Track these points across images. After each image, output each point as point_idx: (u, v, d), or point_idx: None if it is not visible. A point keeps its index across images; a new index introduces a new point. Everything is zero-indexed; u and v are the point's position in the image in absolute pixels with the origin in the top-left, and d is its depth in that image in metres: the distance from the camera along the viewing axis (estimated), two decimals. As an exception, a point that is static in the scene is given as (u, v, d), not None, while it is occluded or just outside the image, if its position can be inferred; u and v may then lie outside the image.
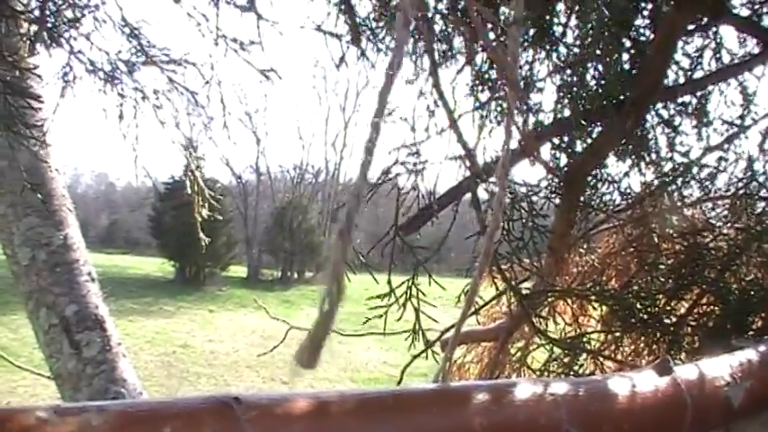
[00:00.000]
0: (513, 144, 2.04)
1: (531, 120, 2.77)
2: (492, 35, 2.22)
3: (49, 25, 2.29)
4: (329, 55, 2.34)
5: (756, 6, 2.59)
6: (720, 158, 2.96)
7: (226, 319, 22.49)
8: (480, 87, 2.51)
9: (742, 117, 2.97)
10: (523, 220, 2.28)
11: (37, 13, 2.28)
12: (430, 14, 2.19)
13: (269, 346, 16.25)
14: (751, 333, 2.48)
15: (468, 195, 2.30)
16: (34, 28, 2.26)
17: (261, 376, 15.45)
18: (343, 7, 2.14)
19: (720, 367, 1.57)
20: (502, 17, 2.44)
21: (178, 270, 29.76)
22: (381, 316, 2.25)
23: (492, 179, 2.22)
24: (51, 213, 3.17)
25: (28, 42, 2.31)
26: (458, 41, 2.49)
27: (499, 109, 2.54)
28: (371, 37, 2.35)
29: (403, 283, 2.25)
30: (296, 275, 35.03)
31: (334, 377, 16.14)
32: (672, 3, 2.46)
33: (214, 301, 25.94)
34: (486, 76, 2.51)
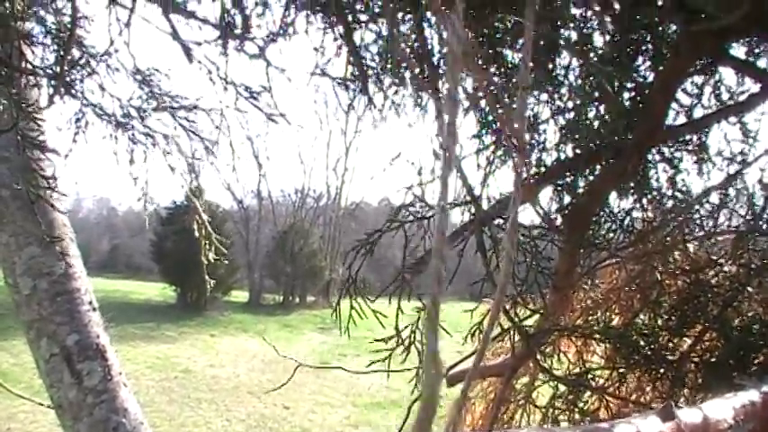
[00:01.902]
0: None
1: (534, 158, 2.81)
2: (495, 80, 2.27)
3: (67, 79, 2.33)
4: (337, 100, 2.38)
5: (754, 48, 2.63)
6: (722, 195, 2.98)
7: (227, 344, 22.40)
8: (484, 131, 2.55)
9: (742, 153, 2.99)
10: (527, 262, 2.31)
11: (50, 66, 2.33)
12: (435, 59, 2.23)
13: (270, 371, 16.10)
14: (753, 368, 2.50)
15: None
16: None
17: (263, 402, 15.36)
18: (351, 58, 2.18)
19: (723, 410, 1.59)
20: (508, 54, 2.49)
21: (180, 295, 29.63)
22: (385, 359, 2.28)
23: (496, 222, 2.26)
24: (53, 243, 3.19)
25: (46, 95, 2.35)
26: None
27: (502, 151, 2.57)
28: (378, 83, 2.40)
29: (407, 326, 2.28)
30: (298, 300, 34.91)
31: (336, 402, 16.07)
32: (672, 47, 2.50)
33: (216, 325, 25.84)
34: (491, 118, 2.55)
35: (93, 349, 3.15)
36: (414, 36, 2.16)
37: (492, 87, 2.06)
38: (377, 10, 2.10)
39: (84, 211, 63.41)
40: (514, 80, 2.28)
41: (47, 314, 3.12)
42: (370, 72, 2.34)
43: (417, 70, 2.27)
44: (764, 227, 2.82)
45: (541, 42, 2.12)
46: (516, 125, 1.20)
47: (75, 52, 2.46)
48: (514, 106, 1.21)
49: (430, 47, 2.16)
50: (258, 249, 35.97)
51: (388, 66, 2.33)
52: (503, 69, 2.47)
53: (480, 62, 2.28)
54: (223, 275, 27.96)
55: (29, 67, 2.15)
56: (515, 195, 1.13)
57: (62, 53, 2.22)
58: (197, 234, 4.10)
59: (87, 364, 3.11)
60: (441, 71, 2.15)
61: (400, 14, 2.15)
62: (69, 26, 2.14)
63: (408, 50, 2.20)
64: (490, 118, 2.50)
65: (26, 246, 3.10)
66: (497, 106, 1.83)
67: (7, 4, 2.02)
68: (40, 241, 3.11)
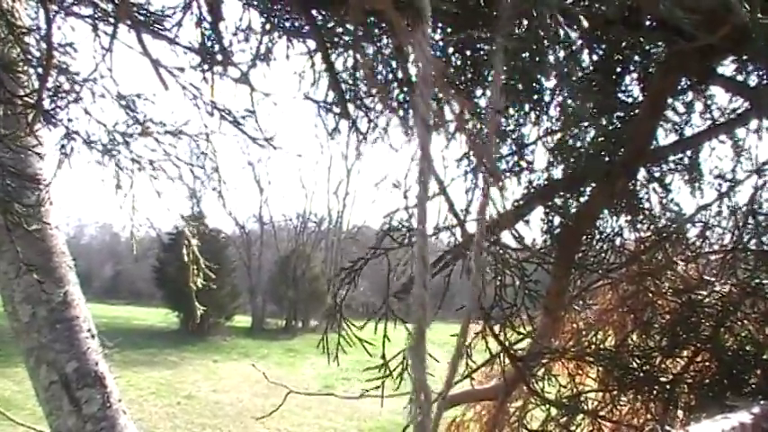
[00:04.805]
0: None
1: (524, 180, 2.80)
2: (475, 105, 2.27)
3: (47, 107, 2.33)
4: (322, 125, 2.38)
5: (742, 67, 2.62)
6: (715, 213, 2.98)
7: (230, 370, 22.35)
8: (471, 152, 2.55)
9: (734, 171, 2.99)
10: (516, 285, 2.30)
11: (29, 94, 2.33)
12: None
13: (274, 395, 16.08)
14: (747, 389, 2.48)
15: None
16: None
17: (266, 427, 15.29)
18: (331, 83, 2.18)
19: (712, 432, 1.58)
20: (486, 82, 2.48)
21: (182, 320, 29.65)
22: (378, 387, 2.27)
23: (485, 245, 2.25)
24: (51, 270, 3.19)
25: (25, 122, 2.35)
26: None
27: (479, 176, 2.56)
28: (362, 107, 2.39)
29: (399, 353, 2.27)
30: (300, 324, 34.90)
31: (341, 426, 16.02)
32: (659, 66, 2.50)
33: (218, 351, 25.82)
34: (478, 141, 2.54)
35: (92, 376, 3.15)
36: (394, 60, 2.16)
37: (469, 111, 2.05)
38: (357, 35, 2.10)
39: (86, 237, 63.68)
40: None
41: (46, 342, 3.12)
42: (353, 96, 2.34)
43: (397, 93, 2.28)
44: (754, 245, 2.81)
45: (527, 63, 2.12)
46: (489, 148, 1.19)
47: (62, 79, 2.48)
48: (485, 131, 1.21)
49: (414, 71, 2.15)
50: (260, 274, 35.99)
51: (368, 91, 2.33)
52: (487, 92, 2.46)
53: (459, 83, 2.28)
54: (226, 301, 28.00)
55: (7, 95, 2.16)
56: (481, 222, 1.12)
57: (39, 82, 2.23)
58: (185, 260, 4.11)
59: (86, 392, 3.11)
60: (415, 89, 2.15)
61: (385, 39, 2.15)
62: (46, 55, 2.15)
63: (391, 75, 2.20)
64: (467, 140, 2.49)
65: (25, 273, 3.11)
66: (471, 131, 1.83)
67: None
68: (40, 269, 3.12)
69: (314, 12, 1.96)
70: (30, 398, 13.09)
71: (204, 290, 4.37)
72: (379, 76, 2.20)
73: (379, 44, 2.12)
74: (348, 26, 2.02)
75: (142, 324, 30.75)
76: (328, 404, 17.24)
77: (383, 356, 2.28)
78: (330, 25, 2.05)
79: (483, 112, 2.18)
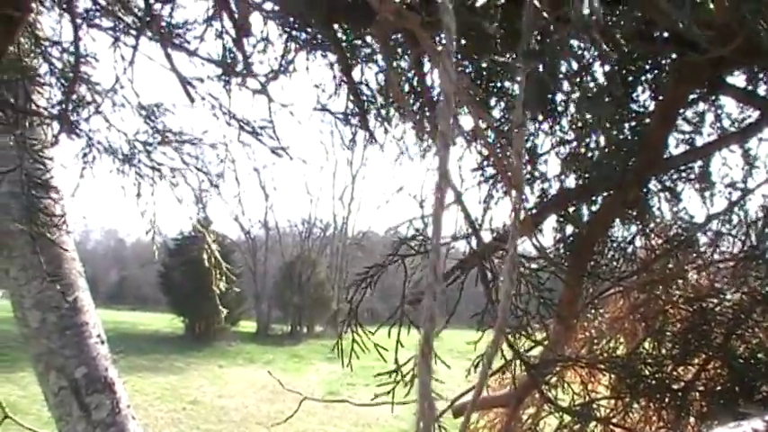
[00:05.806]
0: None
1: (537, 188, 2.83)
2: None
3: (72, 118, 2.36)
4: (339, 135, 2.41)
5: (753, 77, 2.64)
6: (724, 222, 2.99)
7: (236, 375, 22.34)
8: (486, 162, 2.57)
9: (745, 180, 3.00)
10: (530, 293, 2.31)
11: (54, 106, 2.37)
12: (434, 94, 2.25)
13: (279, 401, 16.09)
14: (759, 396, 2.49)
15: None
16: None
17: (271, 433, 15.29)
18: (351, 97, 2.21)
19: (726, 440, 1.59)
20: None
21: (188, 326, 29.62)
22: (389, 392, 2.29)
23: (497, 254, 2.27)
24: (62, 276, 3.20)
25: (50, 134, 2.38)
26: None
27: (501, 188, 2.59)
28: (378, 117, 2.42)
29: (409, 360, 2.28)
30: (306, 330, 34.85)
31: (345, 433, 16.01)
32: (671, 77, 2.52)
33: (224, 356, 25.80)
34: (487, 153, 2.56)
35: (101, 382, 3.17)
36: (412, 72, 2.18)
37: (487, 124, 2.08)
38: (376, 46, 2.13)
39: (92, 242, 63.74)
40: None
41: (55, 347, 3.14)
42: (371, 107, 2.37)
43: (417, 106, 2.30)
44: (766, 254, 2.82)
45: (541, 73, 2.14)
46: (513, 163, 1.21)
47: (83, 90, 2.50)
48: (510, 145, 1.23)
49: (430, 83, 2.18)
50: (266, 280, 35.95)
51: (386, 102, 2.36)
52: (504, 103, 2.49)
53: (479, 97, 2.30)
54: (231, 306, 27.94)
55: (34, 107, 2.19)
56: (513, 233, 1.14)
57: (66, 94, 2.26)
58: (206, 264, 4.14)
59: (96, 397, 3.13)
60: (437, 107, 2.17)
61: (399, 50, 2.18)
62: (73, 67, 2.18)
63: (407, 86, 2.23)
64: (486, 152, 2.52)
65: (34, 279, 3.12)
66: (493, 144, 1.86)
67: (13, 48, 2.07)
68: (49, 275, 3.12)
69: (336, 26, 1.99)
70: (35, 403, 13.13)
71: (210, 295, 4.40)
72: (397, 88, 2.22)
73: (398, 57, 2.14)
74: (369, 40, 2.05)
75: (147, 329, 30.73)
76: (333, 410, 17.23)
77: (396, 361, 2.30)
78: (352, 39, 2.08)
79: (499, 123, 2.21)
